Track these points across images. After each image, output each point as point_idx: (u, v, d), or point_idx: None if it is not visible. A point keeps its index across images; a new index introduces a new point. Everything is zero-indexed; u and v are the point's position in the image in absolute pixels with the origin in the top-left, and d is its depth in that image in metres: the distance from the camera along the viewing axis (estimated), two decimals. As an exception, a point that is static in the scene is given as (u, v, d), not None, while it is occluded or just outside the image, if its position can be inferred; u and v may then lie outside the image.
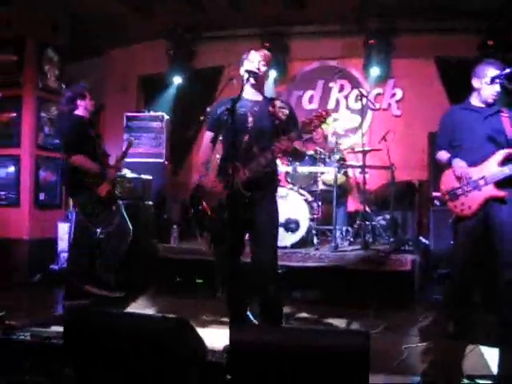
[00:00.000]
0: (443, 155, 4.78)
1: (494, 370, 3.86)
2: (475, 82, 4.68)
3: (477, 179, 4.52)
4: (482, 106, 4.68)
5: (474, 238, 4.60)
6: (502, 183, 4.47)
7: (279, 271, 4.25)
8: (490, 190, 4.48)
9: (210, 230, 4.16)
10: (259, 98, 4.28)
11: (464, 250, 4.65)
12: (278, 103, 4.26)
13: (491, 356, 4.11)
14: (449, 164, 4.70)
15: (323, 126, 7.58)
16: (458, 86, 8.15)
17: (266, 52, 4.36)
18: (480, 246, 4.64)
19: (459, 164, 4.60)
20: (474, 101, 4.73)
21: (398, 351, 4.31)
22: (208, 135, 4.38)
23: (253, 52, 4.26)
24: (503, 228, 4.45)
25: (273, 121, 4.15)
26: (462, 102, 4.89)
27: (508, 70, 4.47)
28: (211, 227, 4.11)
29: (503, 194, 4.44)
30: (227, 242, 4.04)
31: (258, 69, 4.18)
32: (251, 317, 4.42)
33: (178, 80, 9.40)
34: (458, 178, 4.60)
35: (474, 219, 4.55)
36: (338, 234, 7.06)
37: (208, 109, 6.70)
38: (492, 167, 4.48)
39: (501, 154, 4.46)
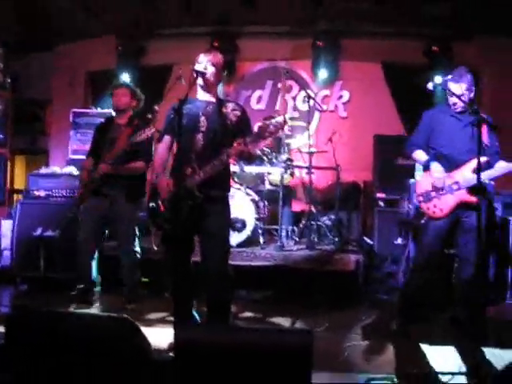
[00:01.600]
0: (420, 156, 4.91)
1: (435, 367, 3.97)
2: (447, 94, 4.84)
3: (450, 184, 4.65)
4: (463, 112, 4.78)
5: (441, 238, 4.76)
6: (474, 190, 4.54)
7: (230, 274, 4.25)
8: (462, 195, 4.61)
9: (162, 229, 4.17)
10: (212, 99, 4.30)
11: (430, 249, 4.80)
12: (230, 105, 4.29)
13: (432, 354, 4.23)
14: (426, 166, 4.83)
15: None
16: (403, 90, 8.39)
17: (215, 54, 4.36)
18: (443, 246, 4.85)
19: (436, 168, 4.73)
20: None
21: (341, 349, 4.39)
22: (165, 139, 4.37)
23: (202, 54, 4.28)
24: (470, 233, 4.53)
25: (225, 122, 4.18)
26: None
27: (449, 77, 4.61)
28: (163, 226, 4.11)
29: (474, 200, 4.51)
30: (177, 242, 4.06)
31: (205, 69, 4.19)
32: (196, 316, 4.43)
33: (126, 77, 9.30)
34: (434, 181, 4.73)
35: (443, 220, 4.70)
36: (283, 233, 7.13)
37: (156, 107, 6.72)
38: (466, 173, 4.60)
39: (475, 161, 4.56)
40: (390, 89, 8.73)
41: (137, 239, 5.70)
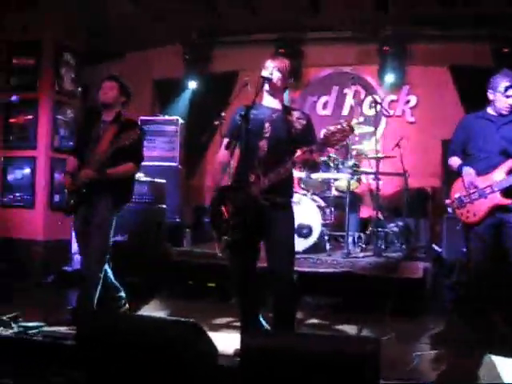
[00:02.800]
0: (455, 161, 4.82)
1: (506, 379, 3.85)
2: (490, 94, 4.70)
3: (483, 187, 4.55)
4: (497, 115, 4.69)
5: (484, 244, 4.62)
6: (509, 192, 4.48)
7: (294, 281, 4.23)
8: (496, 198, 4.50)
9: (227, 235, 4.16)
10: (278, 106, 4.28)
11: (476, 256, 4.67)
12: (295, 113, 4.26)
13: (503, 366, 4.10)
14: (459, 171, 4.73)
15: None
16: (472, 95, 8.19)
17: (282, 60, 4.33)
18: (493, 252, 4.66)
19: (468, 172, 4.64)
20: (490, 110, 4.76)
21: (408, 358, 4.31)
22: (224, 141, 4.38)
23: (268, 60, 4.27)
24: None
25: (289, 130, 4.14)
26: (480, 110, 4.91)
27: None
28: (228, 232, 4.10)
29: (509, 202, 4.46)
30: (242, 249, 4.05)
31: (272, 75, 4.18)
32: (263, 322, 4.43)
33: (192, 84, 9.44)
34: (466, 186, 4.64)
35: (482, 226, 4.57)
36: (350, 240, 7.07)
37: (223, 113, 6.79)
38: (499, 176, 4.51)
39: (510, 163, 4.48)
40: (458, 93, 8.57)
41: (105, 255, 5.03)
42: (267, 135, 4.14)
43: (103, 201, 4.92)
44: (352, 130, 3.89)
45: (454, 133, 4.97)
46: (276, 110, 4.25)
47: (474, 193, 4.59)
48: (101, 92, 5.09)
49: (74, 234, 5.26)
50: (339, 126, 3.86)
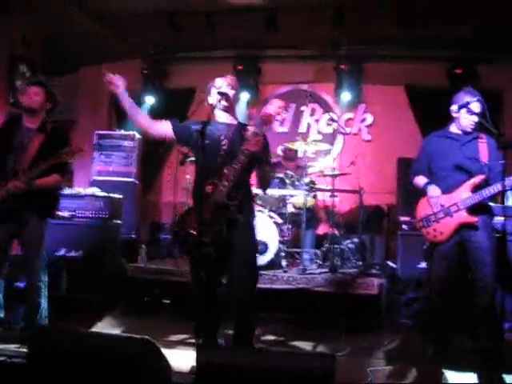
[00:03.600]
0: (420, 180, 4.87)
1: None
2: (454, 112, 4.74)
3: (449, 206, 4.59)
4: (460, 133, 4.75)
5: (449, 262, 4.66)
6: (474, 209, 4.54)
7: (255, 297, 4.21)
8: (462, 216, 4.55)
9: (192, 254, 4.14)
10: (233, 121, 4.31)
11: (440, 274, 4.71)
12: (251, 129, 4.28)
13: (457, 380, 4.15)
14: (424, 190, 4.78)
15: (292, 148, 7.70)
16: (427, 113, 8.37)
17: (231, 77, 4.41)
18: (456, 270, 4.71)
19: (433, 190, 4.68)
20: (453, 128, 4.81)
21: (363, 374, 4.33)
22: (166, 123, 4.31)
23: (218, 79, 4.30)
24: (478, 254, 4.52)
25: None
26: (432, 130, 4.99)
27: (474, 99, 4.57)
28: (201, 251, 4.07)
29: (475, 220, 4.52)
30: (210, 265, 4.01)
31: (228, 93, 4.23)
32: (219, 341, 4.40)
33: (150, 99, 9.40)
34: (432, 205, 4.69)
35: (447, 244, 4.62)
36: (306, 256, 7.09)
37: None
38: (464, 194, 4.56)
39: (474, 180, 4.55)
40: (413, 112, 8.71)
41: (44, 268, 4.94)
42: (224, 151, 4.14)
43: (32, 213, 4.80)
44: (284, 106, 4.14)
45: (418, 152, 5.03)
46: (231, 126, 4.27)
47: (440, 211, 4.64)
48: (25, 97, 4.92)
49: None
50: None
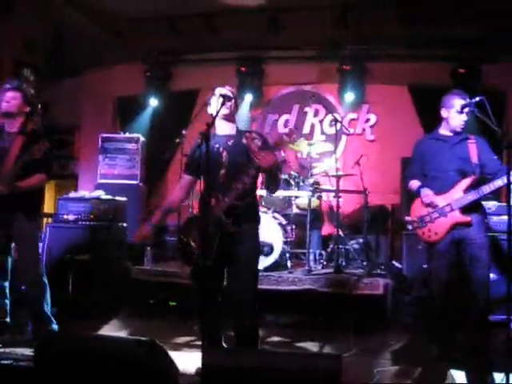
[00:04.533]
0: (414, 184, 4.92)
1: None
2: (443, 112, 4.82)
3: (443, 206, 4.65)
4: (450, 134, 4.82)
5: (446, 261, 4.69)
6: (467, 209, 4.60)
7: (255, 306, 4.21)
8: (456, 216, 4.61)
9: (193, 264, 4.17)
10: (232, 131, 4.30)
11: (439, 273, 4.73)
12: (250, 135, 4.28)
13: (461, 380, 4.15)
14: (417, 193, 4.82)
15: (296, 149, 7.71)
16: (431, 113, 8.24)
17: (229, 87, 4.42)
18: (455, 269, 4.73)
19: (426, 192, 4.74)
20: (443, 130, 4.89)
21: (369, 374, 4.33)
22: (185, 179, 4.43)
23: (217, 88, 4.32)
24: (474, 251, 4.58)
25: (247, 153, 4.16)
26: (432, 131, 5.03)
27: (477, 99, 4.57)
28: (197, 261, 4.09)
29: (468, 220, 4.58)
30: (208, 275, 4.02)
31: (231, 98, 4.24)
32: (224, 345, 4.41)
33: (154, 102, 9.42)
34: (426, 206, 4.73)
35: (444, 244, 4.66)
36: (311, 257, 7.09)
37: (184, 131, 6.78)
38: (457, 194, 4.63)
39: (466, 181, 4.60)
40: (417, 111, 8.70)
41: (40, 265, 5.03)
42: (225, 162, 4.15)
43: (18, 214, 4.81)
44: (294, 133, 4.10)
45: (411, 156, 5.07)
46: (230, 137, 4.26)
47: (434, 212, 4.69)
48: (3, 102, 4.93)
49: None
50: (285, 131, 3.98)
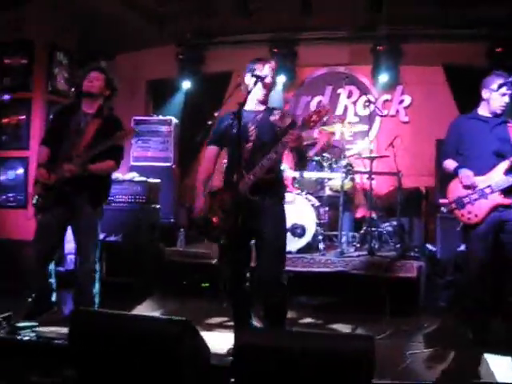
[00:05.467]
0: (450, 164, 4.83)
1: (498, 378, 3.85)
2: (484, 93, 4.74)
3: (483, 188, 4.57)
4: (489, 116, 4.73)
5: (486, 243, 4.63)
6: (508, 191, 4.53)
7: (285, 282, 4.20)
8: (496, 198, 4.54)
9: (218, 241, 4.18)
10: (261, 107, 4.28)
11: (478, 256, 4.68)
12: (279, 112, 4.26)
13: (497, 364, 4.11)
14: (455, 173, 4.74)
15: (330, 130, 7.66)
16: (466, 94, 8.15)
17: (270, 60, 4.38)
18: (492, 251, 4.67)
19: (466, 173, 4.65)
20: (482, 111, 4.80)
21: (402, 357, 4.31)
22: (210, 150, 4.41)
23: (256, 61, 4.28)
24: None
25: (275, 130, 4.15)
26: (470, 111, 4.94)
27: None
28: (219, 238, 4.11)
29: (509, 202, 4.51)
30: (234, 251, 4.03)
31: (266, 75, 4.20)
32: (255, 322, 4.43)
33: (186, 84, 9.42)
34: (465, 187, 4.65)
35: (483, 226, 4.59)
36: (344, 239, 7.06)
37: (216, 113, 6.77)
38: (498, 176, 4.55)
39: (506, 163, 4.53)
40: (452, 92, 8.56)
41: (97, 254, 4.98)
42: (252, 138, 4.14)
43: (85, 200, 4.81)
44: (327, 111, 3.99)
45: (446, 135, 4.99)
46: (259, 112, 4.25)
47: (473, 193, 4.61)
48: (86, 81, 4.94)
49: (41, 231, 4.92)
50: (315, 109, 3.96)
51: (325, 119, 4.20)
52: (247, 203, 3.96)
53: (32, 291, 4.97)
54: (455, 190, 4.76)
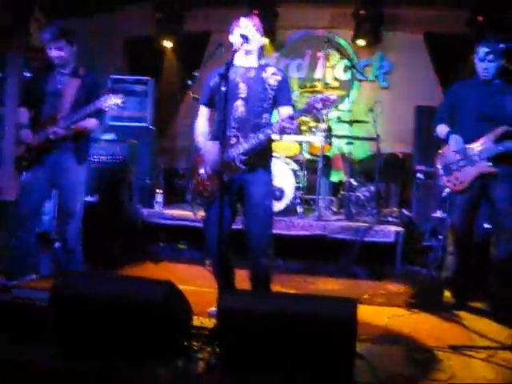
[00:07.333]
0: (442, 129, 4.82)
1: (477, 341, 3.93)
2: (475, 59, 4.70)
3: (471, 155, 4.56)
4: (486, 81, 4.67)
5: (470, 208, 4.68)
6: (497, 160, 4.50)
7: (271, 244, 4.21)
8: (483, 166, 4.52)
9: (205, 201, 4.15)
10: (252, 64, 4.21)
11: (460, 222, 4.72)
12: (270, 69, 4.21)
13: (473, 326, 4.20)
14: (446, 138, 4.72)
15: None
16: (446, 61, 8.20)
17: (257, 19, 4.29)
18: (475, 219, 4.76)
19: (455, 139, 4.64)
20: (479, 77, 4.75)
21: (381, 321, 4.37)
22: (203, 111, 4.34)
23: (243, 19, 4.20)
24: (500, 204, 4.53)
25: (265, 87, 4.10)
26: (450, 79, 4.91)
27: (501, 46, 4.48)
28: (207, 198, 4.09)
29: (494, 171, 4.49)
30: (219, 213, 3.99)
31: (249, 33, 4.12)
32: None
33: (165, 44, 9.28)
34: (454, 153, 4.64)
35: (469, 192, 4.61)
36: (321, 203, 7.06)
37: (195, 73, 6.70)
38: (487, 143, 4.52)
39: (497, 130, 4.49)
40: (431, 59, 8.55)
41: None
42: (243, 95, 4.08)
43: (70, 157, 4.82)
44: (335, 101, 3.88)
45: (443, 99, 4.97)
46: (249, 69, 4.18)
47: (461, 160, 4.60)
48: (51, 54, 4.85)
49: (26, 191, 4.91)
50: (324, 97, 3.85)
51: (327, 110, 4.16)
52: (235, 167, 3.95)
53: (13, 250, 4.95)
54: (444, 156, 4.76)
